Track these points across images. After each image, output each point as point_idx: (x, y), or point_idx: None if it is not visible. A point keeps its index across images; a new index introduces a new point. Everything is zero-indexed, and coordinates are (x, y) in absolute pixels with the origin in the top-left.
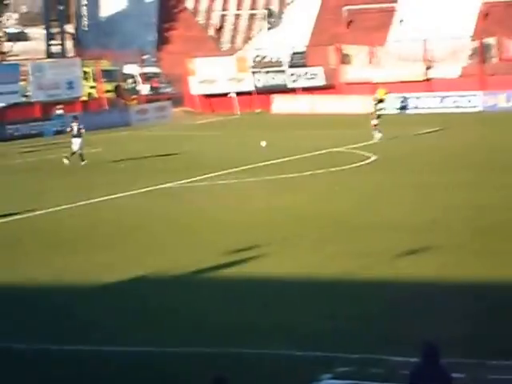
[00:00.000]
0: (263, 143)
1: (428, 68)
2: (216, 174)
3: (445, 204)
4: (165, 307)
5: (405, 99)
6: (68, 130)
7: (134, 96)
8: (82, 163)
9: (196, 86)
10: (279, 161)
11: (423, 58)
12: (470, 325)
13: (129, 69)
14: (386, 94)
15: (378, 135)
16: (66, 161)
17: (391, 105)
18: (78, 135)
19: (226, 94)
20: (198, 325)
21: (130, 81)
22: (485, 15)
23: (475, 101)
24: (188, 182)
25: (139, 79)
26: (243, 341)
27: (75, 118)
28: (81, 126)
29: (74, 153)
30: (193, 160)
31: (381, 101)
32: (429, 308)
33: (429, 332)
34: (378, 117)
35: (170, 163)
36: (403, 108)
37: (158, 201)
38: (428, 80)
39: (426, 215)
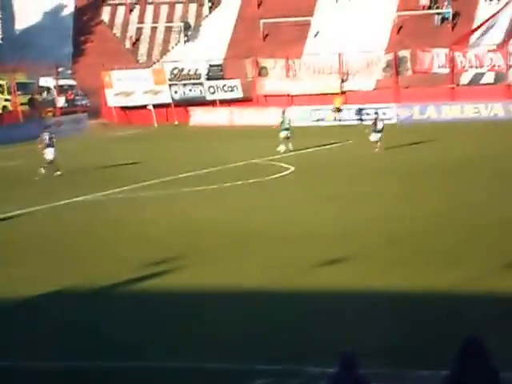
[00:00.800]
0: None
1: (343, 81)
2: (134, 186)
3: (363, 215)
4: (82, 321)
5: (322, 111)
6: (39, 139)
7: (50, 108)
8: (57, 173)
9: (112, 99)
10: (198, 173)
11: (338, 70)
12: (387, 335)
13: (44, 81)
14: (343, 103)
15: (281, 147)
16: (42, 170)
17: (309, 117)
18: (51, 144)
19: (143, 107)
20: (116, 338)
21: (46, 93)
22: (398, 28)
23: (390, 113)
24: (106, 195)
25: (55, 92)
26: (161, 355)
27: (47, 127)
28: (52, 135)
29: (50, 162)
30: (110, 172)
31: (338, 109)
32: (347, 318)
33: (346, 342)
34: (286, 129)
35: (88, 175)
36: (321, 120)
37: (75, 213)
38: (343, 92)
39: (345, 226)
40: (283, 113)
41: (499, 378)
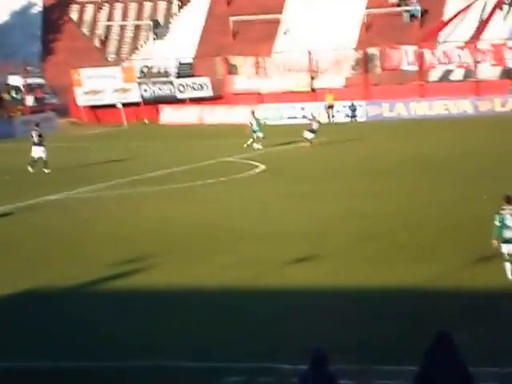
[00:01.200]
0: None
1: (313, 78)
2: (104, 185)
3: (333, 212)
4: (52, 320)
5: (294, 109)
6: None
7: (19, 107)
8: (47, 171)
9: (82, 97)
10: (169, 171)
11: (308, 68)
12: (357, 332)
13: (13, 80)
14: (333, 99)
15: (255, 145)
16: (30, 168)
17: (279, 115)
18: (39, 143)
19: (112, 105)
20: (86, 337)
21: (14, 92)
22: (367, 26)
23: (359, 110)
24: (75, 194)
25: (23, 90)
26: (132, 354)
27: (37, 125)
28: (42, 133)
29: (35, 160)
30: (79, 171)
31: (330, 106)
32: (318, 315)
33: (318, 339)
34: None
35: (56, 175)
36: (293, 118)
37: (44, 213)
38: (313, 90)
39: (316, 223)
40: (253, 113)
41: (468, 372)
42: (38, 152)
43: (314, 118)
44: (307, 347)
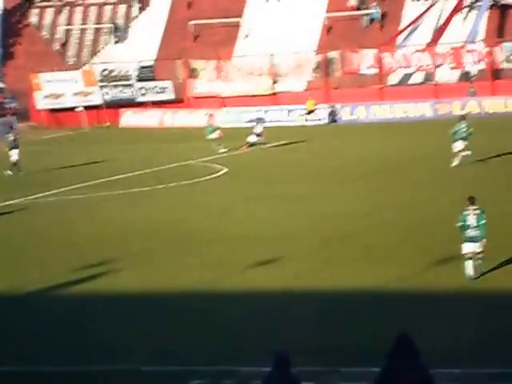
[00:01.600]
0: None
1: (274, 82)
2: (64, 189)
3: (295, 215)
4: (15, 324)
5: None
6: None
7: None
8: (20, 173)
9: (42, 101)
10: (130, 175)
11: (269, 72)
12: (321, 334)
13: None
14: (315, 104)
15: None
16: (9, 172)
17: (240, 118)
18: (15, 146)
19: (73, 109)
20: (46, 343)
21: None
22: (328, 29)
23: (321, 114)
24: (34, 199)
25: None
26: (95, 358)
27: (12, 128)
28: (17, 136)
29: (15, 163)
30: (39, 175)
31: (311, 111)
32: (280, 318)
33: (280, 342)
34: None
35: (16, 179)
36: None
37: (1, 218)
38: (274, 94)
39: (279, 226)
40: (210, 116)
41: (429, 374)
42: (15, 155)
43: (259, 120)
44: (270, 350)
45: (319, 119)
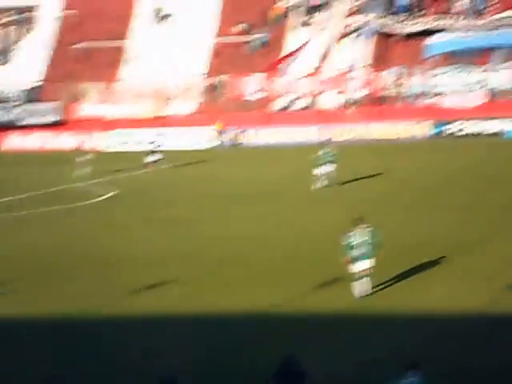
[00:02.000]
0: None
1: (162, 105)
2: None
3: (188, 236)
4: None
5: (141, 135)
6: None
7: None
8: None
9: None
10: (12, 199)
11: (156, 94)
12: (210, 354)
13: None
14: (223, 127)
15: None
16: None
17: (127, 141)
18: None
19: None
20: None
21: None
22: (217, 54)
23: (210, 137)
24: None
25: None
26: None
27: None
28: None
29: None
30: None
31: (221, 132)
32: (170, 339)
33: (167, 363)
34: None
35: None
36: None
37: None
38: (163, 117)
39: (170, 248)
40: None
41: None
42: None
43: (153, 143)
44: (153, 373)
45: (209, 142)
